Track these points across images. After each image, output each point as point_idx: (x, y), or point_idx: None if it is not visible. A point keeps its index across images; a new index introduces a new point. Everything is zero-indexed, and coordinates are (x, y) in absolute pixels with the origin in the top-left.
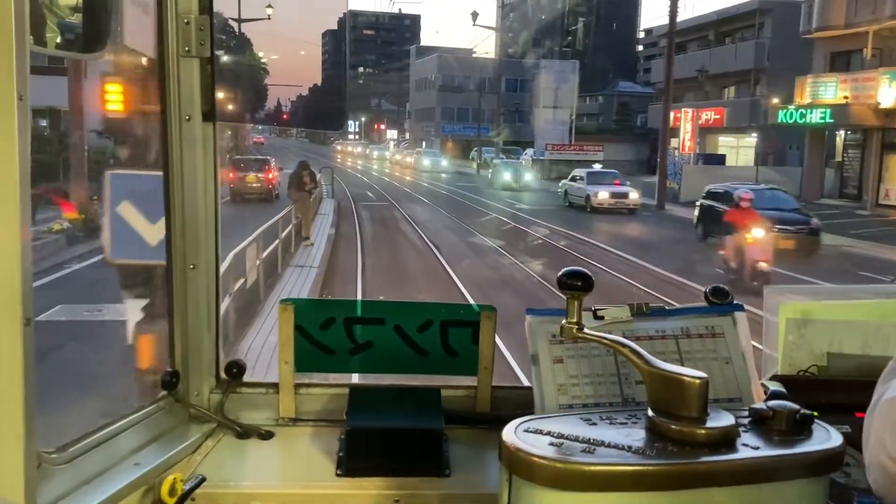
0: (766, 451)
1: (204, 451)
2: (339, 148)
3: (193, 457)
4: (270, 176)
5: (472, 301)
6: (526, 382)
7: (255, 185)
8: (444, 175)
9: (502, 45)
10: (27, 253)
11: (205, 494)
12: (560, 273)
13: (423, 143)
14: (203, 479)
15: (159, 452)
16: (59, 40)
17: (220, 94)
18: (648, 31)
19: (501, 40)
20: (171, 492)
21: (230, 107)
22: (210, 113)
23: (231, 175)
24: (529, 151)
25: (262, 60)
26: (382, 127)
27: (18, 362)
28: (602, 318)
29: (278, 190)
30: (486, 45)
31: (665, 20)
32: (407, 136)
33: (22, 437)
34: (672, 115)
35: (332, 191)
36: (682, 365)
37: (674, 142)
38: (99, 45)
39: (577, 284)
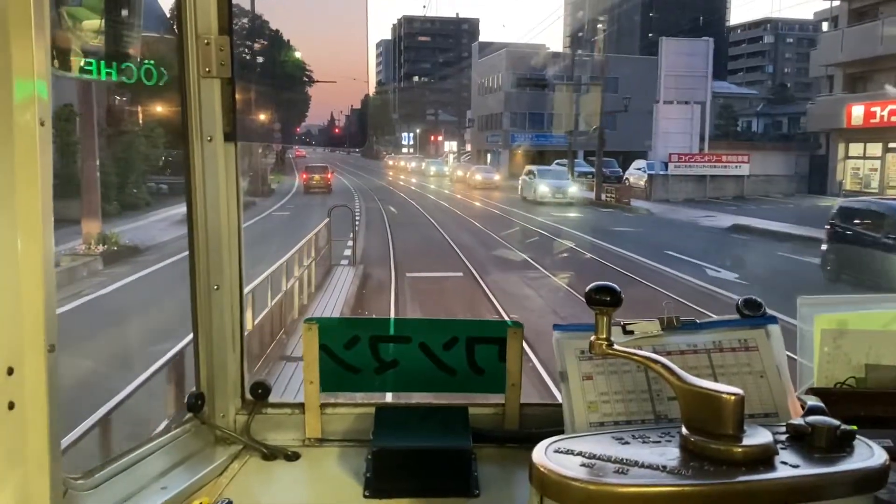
0: (807, 470)
1: (230, 474)
2: (390, 162)
3: (220, 479)
4: (328, 176)
5: None
6: (556, 395)
7: (319, 182)
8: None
9: (571, 39)
10: (51, 280)
11: None
12: (588, 288)
13: (489, 156)
14: (230, 503)
15: (186, 475)
16: (82, 63)
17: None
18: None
19: (571, 33)
20: None
21: (262, 117)
22: (231, 133)
23: (304, 176)
24: (640, 164)
25: (305, 66)
26: (440, 138)
27: (43, 389)
28: (631, 332)
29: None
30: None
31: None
32: (468, 147)
33: (48, 464)
34: (863, 110)
35: (354, 254)
36: (716, 380)
37: (857, 149)
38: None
39: (605, 300)
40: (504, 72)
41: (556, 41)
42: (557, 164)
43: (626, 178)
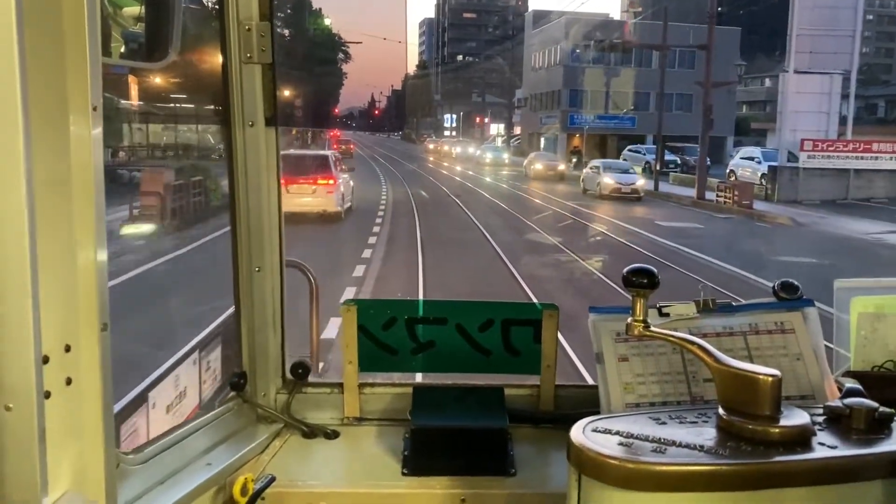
0: (845, 451)
1: (272, 451)
2: (431, 146)
3: (262, 456)
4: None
5: None
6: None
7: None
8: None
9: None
10: (103, 262)
11: (274, 494)
12: (625, 270)
13: (542, 140)
14: (273, 479)
15: (230, 453)
16: (123, 50)
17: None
18: None
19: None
20: (243, 491)
21: (301, 101)
22: (272, 118)
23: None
24: (752, 153)
25: (343, 43)
26: (485, 120)
27: (97, 365)
28: (667, 315)
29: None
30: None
31: None
32: (516, 130)
33: (102, 438)
34: None
35: None
36: (752, 362)
37: None
38: (161, 53)
39: (642, 282)
40: (563, 43)
41: (617, 10)
42: (630, 151)
43: (731, 172)
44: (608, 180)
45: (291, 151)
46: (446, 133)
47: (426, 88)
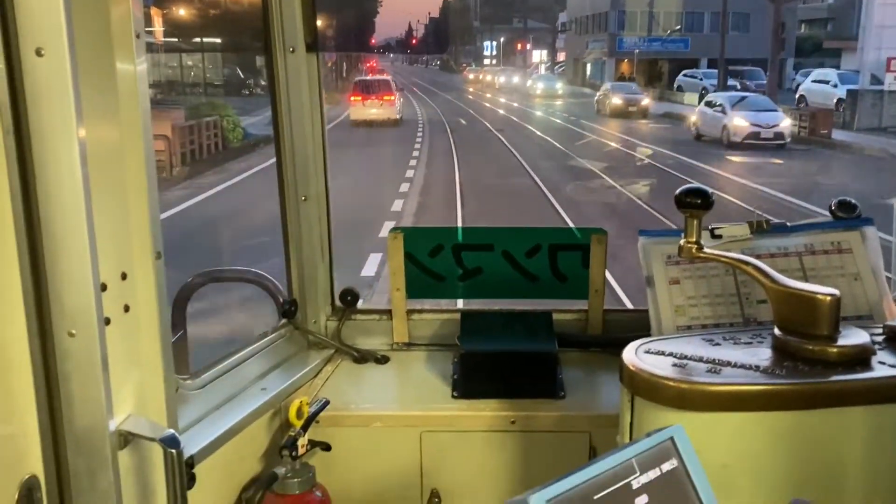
0: None
1: (324, 376)
2: (471, 76)
3: (315, 381)
4: (391, 97)
5: None
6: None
7: (379, 111)
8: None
9: None
10: (154, 192)
11: (329, 416)
12: (678, 191)
13: (587, 67)
14: (327, 402)
15: (283, 377)
16: None
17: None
18: None
19: None
20: (299, 414)
21: (338, 26)
22: (313, 44)
23: (353, 99)
24: (826, 76)
25: None
26: (527, 47)
27: (153, 293)
28: (720, 236)
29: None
30: None
31: None
32: (560, 57)
33: (161, 364)
34: None
35: None
36: (807, 282)
37: None
38: None
39: (696, 202)
40: None
41: None
42: (686, 76)
43: (801, 97)
44: (740, 122)
45: (366, 77)
46: (486, 62)
47: (465, 15)
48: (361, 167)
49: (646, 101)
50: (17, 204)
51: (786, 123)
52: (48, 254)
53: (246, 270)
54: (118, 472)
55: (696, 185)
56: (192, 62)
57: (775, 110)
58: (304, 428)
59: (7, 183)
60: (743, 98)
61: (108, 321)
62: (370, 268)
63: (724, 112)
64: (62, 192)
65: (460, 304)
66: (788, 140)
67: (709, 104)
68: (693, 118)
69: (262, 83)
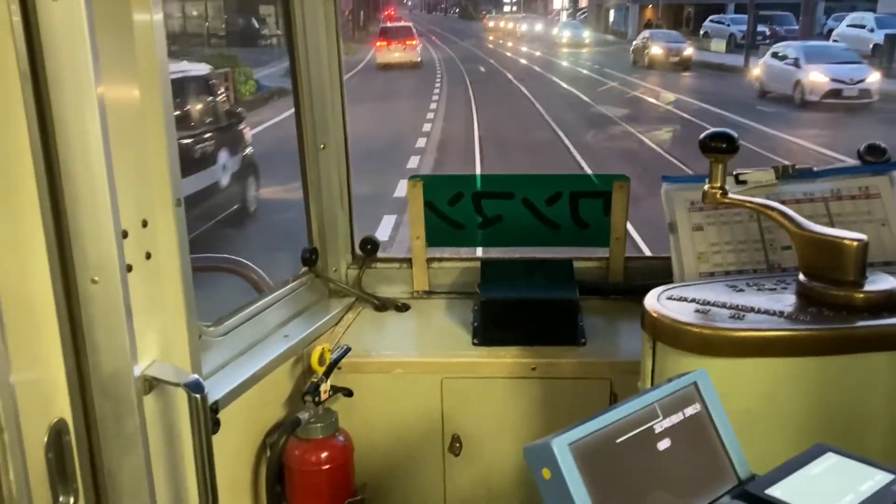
0: None
1: (345, 324)
2: (490, 24)
3: (336, 329)
4: (413, 42)
5: None
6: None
7: (402, 55)
8: None
9: None
10: (172, 139)
11: (350, 363)
12: (702, 135)
13: (611, 14)
14: (349, 349)
15: (305, 325)
16: None
17: None
18: None
19: None
20: (321, 361)
21: None
22: None
23: (379, 45)
24: (865, 19)
25: None
26: None
27: (174, 240)
28: (744, 182)
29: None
30: None
31: None
32: (582, 3)
33: (183, 311)
34: None
35: None
36: (833, 228)
37: None
38: None
39: (721, 147)
40: None
41: None
42: (713, 22)
43: (835, 42)
44: (818, 76)
45: (389, 24)
46: (506, 9)
47: None
48: (376, 124)
49: (689, 50)
50: (36, 151)
51: (873, 78)
52: (69, 201)
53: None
54: (144, 417)
55: (721, 129)
56: (198, 12)
57: (858, 62)
58: (327, 374)
59: (26, 128)
60: (818, 48)
61: (129, 268)
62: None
63: (796, 65)
64: (81, 139)
65: (480, 253)
66: (876, 98)
67: (776, 56)
68: (756, 72)
69: (279, 33)
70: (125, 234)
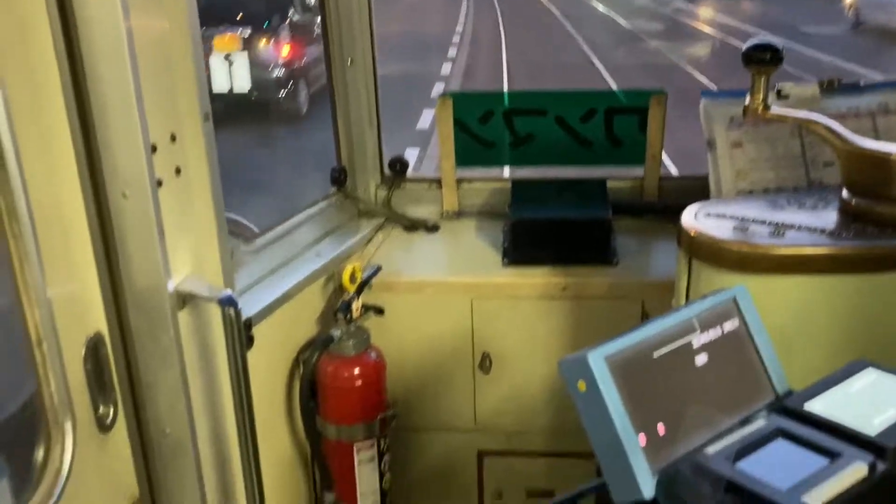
0: None
1: (376, 244)
2: None
3: (367, 248)
4: None
5: None
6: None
7: None
8: None
9: None
10: (199, 52)
11: (381, 283)
12: (746, 46)
13: None
14: (379, 268)
15: (335, 245)
16: None
17: None
18: None
19: None
20: (352, 279)
21: None
22: None
23: None
24: None
25: None
26: None
27: (203, 155)
28: (786, 97)
29: None
30: None
31: None
32: None
33: (215, 228)
34: None
35: None
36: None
37: None
38: None
39: (764, 58)
40: None
41: None
42: None
43: None
44: None
45: None
46: None
47: None
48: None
49: None
50: (63, 63)
51: None
52: (97, 113)
53: None
54: (179, 331)
55: (764, 40)
56: None
57: None
58: (358, 292)
59: (52, 43)
60: None
61: (160, 183)
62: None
63: None
64: (108, 51)
65: (516, 172)
66: None
67: None
68: None
69: None
70: (154, 148)
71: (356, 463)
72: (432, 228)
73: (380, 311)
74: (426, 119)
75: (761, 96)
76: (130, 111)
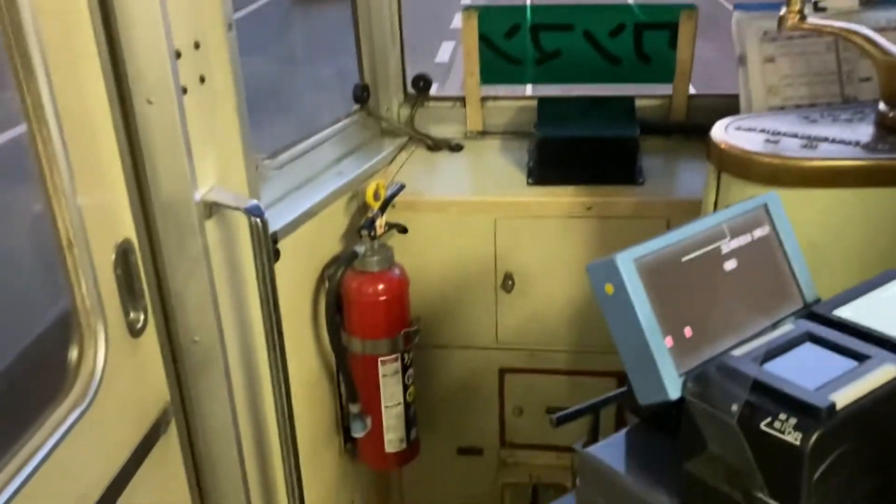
0: None
1: (399, 163)
2: None
3: (390, 167)
4: None
5: None
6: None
7: None
8: None
9: None
10: None
11: (404, 201)
12: None
13: None
14: (403, 186)
15: (359, 162)
16: None
17: None
18: None
19: None
20: (375, 196)
21: None
22: None
23: None
24: None
25: None
26: None
27: (227, 64)
28: (823, 9)
29: None
30: None
31: None
32: None
33: (239, 140)
34: None
35: None
36: None
37: None
38: None
39: None
40: None
41: None
42: None
43: None
44: None
45: None
46: None
47: None
48: None
49: None
50: None
51: None
52: (121, 17)
53: None
54: (206, 241)
55: None
56: None
57: None
58: (382, 209)
59: None
60: None
61: (185, 90)
62: None
63: None
64: None
65: (543, 90)
66: None
67: None
68: None
69: None
70: (178, 55)
71: (380, 376)
72: (456, 148)
73: (403, 229)
74: (445, 52)
75: (798, 6)
76: (154, 15)
